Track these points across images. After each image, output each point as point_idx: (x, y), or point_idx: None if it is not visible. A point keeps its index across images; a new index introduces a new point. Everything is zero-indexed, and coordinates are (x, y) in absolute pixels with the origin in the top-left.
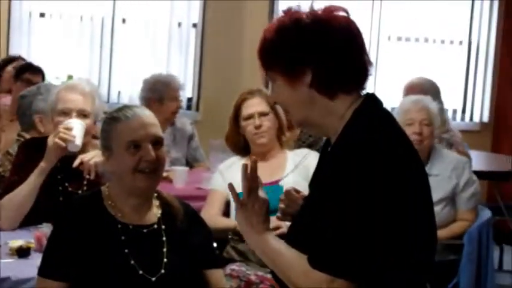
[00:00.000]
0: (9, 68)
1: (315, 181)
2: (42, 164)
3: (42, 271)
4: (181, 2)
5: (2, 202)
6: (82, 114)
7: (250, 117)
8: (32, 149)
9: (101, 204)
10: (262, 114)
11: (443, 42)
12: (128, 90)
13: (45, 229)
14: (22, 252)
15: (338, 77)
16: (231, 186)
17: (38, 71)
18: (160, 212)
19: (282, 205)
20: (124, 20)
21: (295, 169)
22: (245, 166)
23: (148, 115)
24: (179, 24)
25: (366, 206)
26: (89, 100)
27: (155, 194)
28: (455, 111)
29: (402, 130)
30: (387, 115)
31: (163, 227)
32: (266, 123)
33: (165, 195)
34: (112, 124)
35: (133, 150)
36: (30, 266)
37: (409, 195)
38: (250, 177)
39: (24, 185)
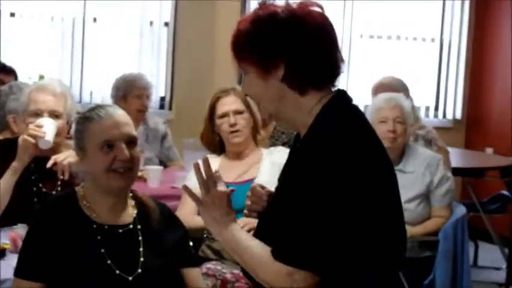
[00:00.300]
0: None
1: (284, 176)
2: (14, 164)
3: (18, 272)
4: (152, 1)
5: None
6: (54, 115)
7: (224, 115)
8: (5, 150)
9: (76, 204)
10: (237, 113)
11: (415, 39)
12: (100, 90)
13: (20, 230)
14: None
15: (310, 73)
16: (185, 188)
17: (10, 72)
18: (135, 211)
19: (248, 202)
20: (95, 20)
21: (270, 167)
22: (196, 165)
23: (121, 114)
24: (151, 23)
25: (335, 200)
26: (61, 100)
27: (131, 194)
28: (427, 109)
29: (370, 126)
30: (355, 111)
31: (139, 226)
32: (241, 122)
33: (140, 195)
34: (85, 124)
35: (107, 149)
36: (6, 267)
37: (378, 192)
38: (206, 175)
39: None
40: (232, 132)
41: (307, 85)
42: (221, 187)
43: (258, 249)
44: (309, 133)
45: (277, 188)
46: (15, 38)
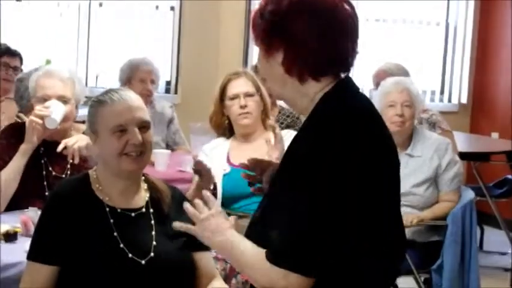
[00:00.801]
0: None
1: (283, 162)
2: (23, 146)
3: (31, 255)
4: None
5: None
6: (62, 100)
7: (235, 97)
8: (16, 134)
9: (88, 188)
10: (247, 95)
11: (420, 23)
12: (106, 74)
13: (31, 213)
14: (9, 237)
15: (308, 62)
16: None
17: (15, 55)
18: (147, 195)
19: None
20: (100, 4)
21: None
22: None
23: (134, 98)
24: (157, 7)
25: (334, 190)
26: (69, 85)
27: (143, 178)
28: (433, 93)
29: (375, 112)
30: (359, 98)
31: (151, 210)
32: (251, 104)
33: (152, 178)
34: (97, 107)
35: (119, 133)
36: (18, 250)
37: (380, 180)
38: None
39: (7, 168)
40: (242, 114)
41: (305, 74)
42: (215, 208)
43: (252, 252)
44: (308, 120)
45: (274, 178)
46: (21, 22)
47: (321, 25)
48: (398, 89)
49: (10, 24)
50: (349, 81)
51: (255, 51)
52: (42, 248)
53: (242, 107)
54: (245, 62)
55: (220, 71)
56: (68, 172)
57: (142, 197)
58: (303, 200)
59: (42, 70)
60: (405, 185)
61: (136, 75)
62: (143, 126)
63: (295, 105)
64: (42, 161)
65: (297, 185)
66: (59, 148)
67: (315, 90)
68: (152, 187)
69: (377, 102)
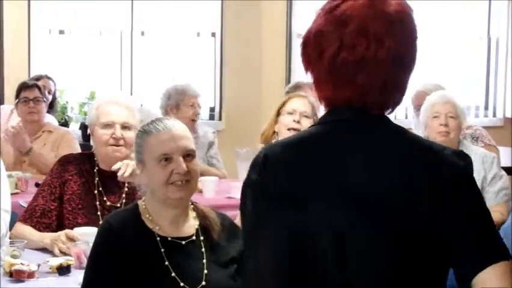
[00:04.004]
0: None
1: None
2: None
3: (86, 286)
4: (199, 12)
5: (14, 231)
6: (125, 127)
7: (292, 112)
8: (69, 166)
9: (138, 218)
10: (304, 115)
11: (462, 38)
12: (149, 102)
13: (83, 245)
14: (62, 270)
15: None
16: None
17: (32, 86)
18: (197, 223)
19: None
20: (142, 33)
21: None
22: None
23: (178, 128)
24: (198, 34)
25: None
26: (131, 113)
27: (191, 206)
28: (477, 108)
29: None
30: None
31: (202, 238)
32: (305, 123)
33: (201, 207)
34: (143, 137)
35: (164, 163)
36: (72, 283)
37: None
38: None
39: (34, 237)
40: (292, 128)
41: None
42: None
43: None
44: None
45: None
46: (64, 54)
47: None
48: (443, 101)
49: (53, 57)
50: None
51: (297, 72)
52: (96, 280)
53: (295, 121)
54: (288, 82)
55: (263, 95)
56: (123, 201)
57: (192, 225)
58: None
59: (105, 97)
60: None
61: (184, 100)
62: (188, 155)
63: None
64: (96, 191)
65: None
66: (115, 167)
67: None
68: (201, 215)
69: (423, 116)
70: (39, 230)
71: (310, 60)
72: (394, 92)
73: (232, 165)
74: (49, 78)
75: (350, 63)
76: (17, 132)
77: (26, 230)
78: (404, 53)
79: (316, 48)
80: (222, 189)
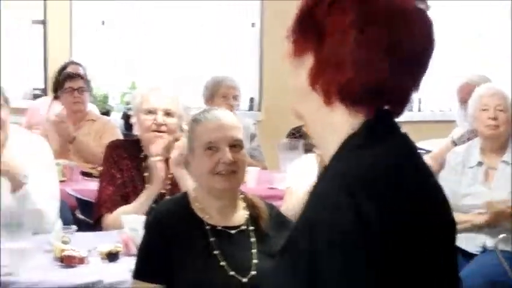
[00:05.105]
0: None
1: None
2: (150, 190)
3: (137, 274)
4: (238, 3)
5: (108, 222)
6: (167, 113)
7: None
8: (120, 151)
9: (188, 206)
10: None
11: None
12: (190, 94)
13: (131, 233)
14: (112, 256)
15: (342, 84)
16: None
17: (76, 76)
18: (247, 213)
19: None
20: (179, 23)
21: None
22: None
23: (227, 117)
24: (239, 24)
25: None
26: (174, 100)
27: (241, 196)
28: None
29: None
30: (398, 144)
31: (251, 228)
32: None
33: (251, 196)
34: (193, 126)
35: (211, 152)
36: (121, 269)
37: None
38: None
39: (130, 208)
40: None
41: (333, 96)
42: None
43: None
44: (331, 165)
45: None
46: (106, 45)
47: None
48: (490, 93)
49: (94, 48)
50: (390, 117)
51: None
52: (148, 267)
53: None
54: None
55: None
56: (168, 187)
57: (241, 215)
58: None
59: (149, 86)
60: (501, 193)
61: (218, 92)
62: (236, 145)
63: (319, 137)
64: (146, 174)
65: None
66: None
67: (344, 121)
68: (250, 205)
69: (472, 107)
70: None
71: None
72: None
73: (270, 156)
74: (77, 63)
75: None
76: (60, 121)
77: (118, 212)
78: None
79: None
80: (263, 180)
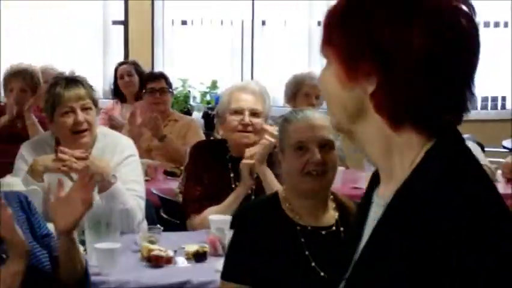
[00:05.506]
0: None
1: (376, 243)
2: (240, 188)
3: (225, 274)
4: (319, 2)
5: (195, 223)
6: (254, 113)
7: None
8: (205, 152)
9: (278, 206)
10: None
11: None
12: (271, 92)
13: (218, 233)
14: (199, 256)
15: (417, 102)
16: None
17: (160, 77)
18: (337, 213)
19: None
20: (263, 22)
21: None
22: None
23: (317, 118)
24: (319, 23)
25: None
26: (260, 100)
27: (331, 196)
28: (504, 99)
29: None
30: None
31: (342, 228)
32: None
33: (341, 197)
34: (284, 125)
35: (300, 152)
36: (208, 270)
37: None
38: None
39: (217, 209)
40: None
41: (405, 117)
42: None
43: None
44: (407, 197)
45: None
46: (187, 44)
47: (451, 46)
48: None
49: (176, 47)
50: (458, 134)
51: None
52: (236, 268)
53: None
54: None
55: None
56: (253, 187)
57: (332, 215)
58: None
59: (237, 84)
60: None
61: (301, 90)
62: (326, 145)
63: (370, 154)
64: (232, 175)
65: None
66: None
67: (412, 144)
68: (341, 205)
69: None
70: None
71: None
72: None
73: (353, 155)
74: (133, 63)
75: None
76: (156, 118)
77: (206, 213)
78: None
79: None
80: (347, 179)
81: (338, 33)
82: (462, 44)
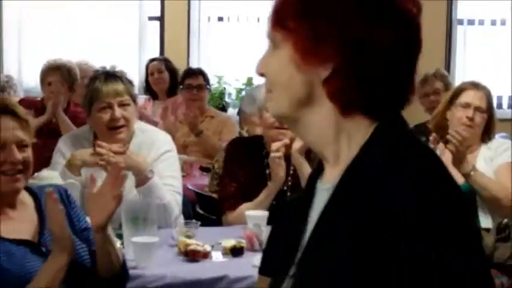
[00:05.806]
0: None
1: (323, 226)
2: (272, 185)
3: (263, 270)
4: None
5: (231, 219)
6: None
7: (466, 106)
8: (241, 148)
9: None
10: (478, 109)
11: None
12: None
13: (255, 229)
14: (236, 251)
15: (374, 90)
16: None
17: (196, 73)
18: None
19: None
20: None
21: (483, 162)
22: None
23: None
24: None
25: None
26: None
27: None
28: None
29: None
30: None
31: None
32: (478, 119)
33: None
34: None
35: None
36: (245, 265)
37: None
38: None
39: (252, 205)
40: (465, 124)
41: (358, 103)
42: None
43: None
44: (355, 174)
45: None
46: (223, 41)
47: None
48: None
49: (211, 44)
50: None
51: (457, 63)
52: (273, 263)
53: (469, 118)
54: (447, 67)
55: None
56: (289, 183)
57: None
58: None
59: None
60: None
61: None
62: None
63: (315, 138)
64: (267, 172)
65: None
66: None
67: (360, 127)
68: None
69: None
70: None
71: None
72: None
73: None
74: (164, 60)
75: None
76: (193, 115)
77: (241, 209)
78: None
79: None
80: None
81: (297, 18)
82: (416, 41)
